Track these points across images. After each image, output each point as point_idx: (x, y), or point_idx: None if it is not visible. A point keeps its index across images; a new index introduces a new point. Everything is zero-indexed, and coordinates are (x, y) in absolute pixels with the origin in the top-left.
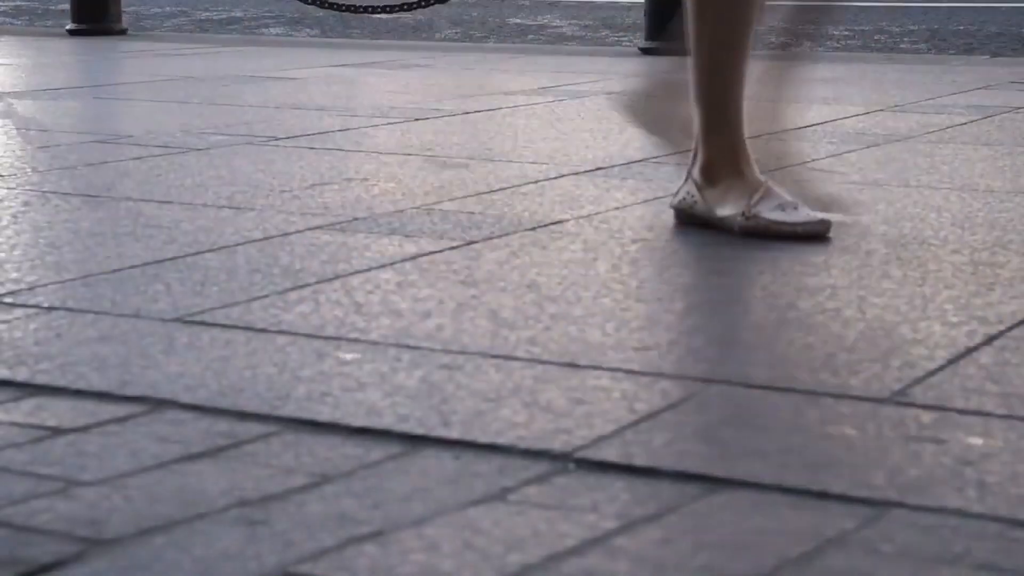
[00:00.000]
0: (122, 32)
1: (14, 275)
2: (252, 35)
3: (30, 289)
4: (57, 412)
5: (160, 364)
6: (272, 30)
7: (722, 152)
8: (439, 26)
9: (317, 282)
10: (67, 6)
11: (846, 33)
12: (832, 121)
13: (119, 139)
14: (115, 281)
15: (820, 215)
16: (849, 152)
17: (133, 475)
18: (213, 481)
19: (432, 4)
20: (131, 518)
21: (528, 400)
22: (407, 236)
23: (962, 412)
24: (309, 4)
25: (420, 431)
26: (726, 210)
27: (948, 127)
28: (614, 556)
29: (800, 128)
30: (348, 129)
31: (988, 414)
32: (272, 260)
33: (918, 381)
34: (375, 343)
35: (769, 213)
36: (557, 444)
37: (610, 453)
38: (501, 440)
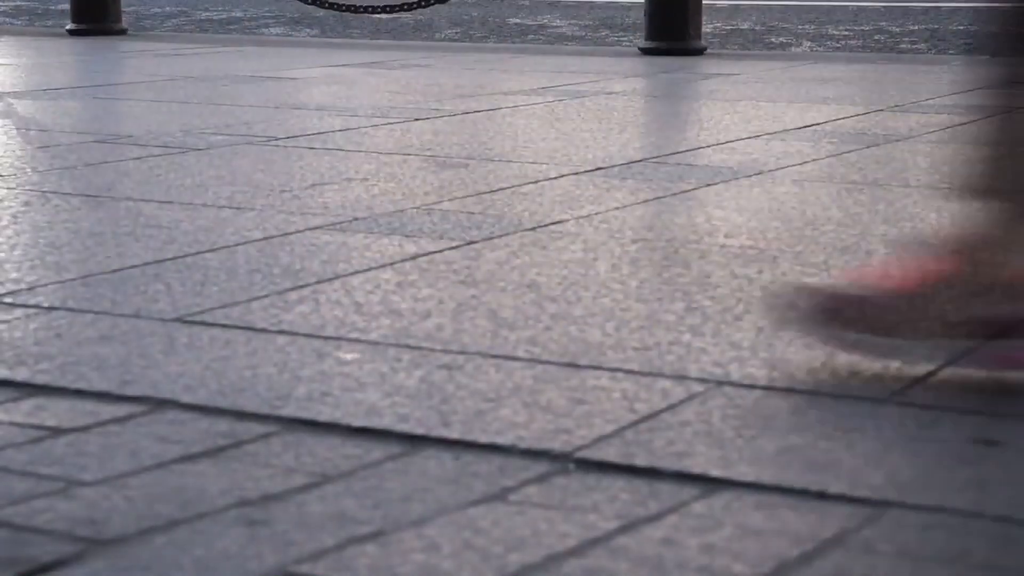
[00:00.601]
0: (122, 32)
1: (14, 275)
2: (252, 35)
3: (30, 289)
4: (57, 412)
5: (160, 364)
6: (272, 30)
7: None
8: (439, 26)
9: (317, 282)
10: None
11: (846, 33)
12: (832, 121)
13: (119, 139)
14: (115, 281)
15: None
16: (849, 152)
17: (133, 475)
18: (213, 481)
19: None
20: (131, 518)
21: (528, 400)
22: (407, 236)
23: (962, 412)
24: (309, 4)
25: (420, 431)
26: None
27: (948, 127)
28: (614, 556)
29: (800, 128)
30: (348, 129)
31: (988, 414)
32: (272, 260)
33: (918, 381)
34: (375, 343)
35: None
36: (557, 444)
37: (610, 453)
38: (501, 440)
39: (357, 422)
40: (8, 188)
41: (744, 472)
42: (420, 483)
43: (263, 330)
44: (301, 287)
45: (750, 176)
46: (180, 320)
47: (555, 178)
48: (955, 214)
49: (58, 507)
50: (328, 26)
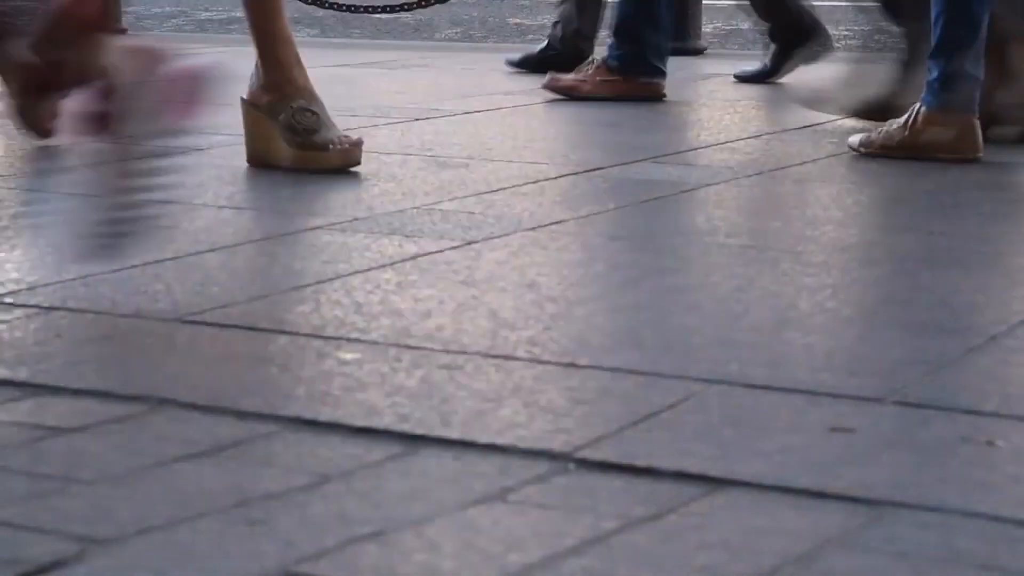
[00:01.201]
0: (122, 32)
1: (14, 275)
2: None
3: (30, 289)
4: (57, 412)
5: (160, 364)
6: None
7: None
8: (439, 26)
9: (317, 282)
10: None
11: (846, 33)
12: (832, 121)
13: (119, 139)
14: (115, 281)
15: None
16: (849, 152)
17: (133, 475)
18: (213, 481)
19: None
20: (131, 518)
21: (528, 400)
22: (407, 236)
23: (962, 412)
24: (309, 4)
25: (420, 431)
26: None
27: None
28: (614, 556)
29: (800, 128)
30: (348, 129)
31: (988, 414)
32: (272, 260)
33: (917, 381)
34: (375, 343)
35: None
36: (557, 444)
37: (610, 453)
38: (501, 440)
39: (357, 422)
40: (8, 188)
41: (744, 472)
42: (420, 483)
43: (263, 330)
44: (301, 287)
45: (750, 176)
46: (180, 320)
47: (555, 178)
48: None
49: (58, 507)
50: (328, 26)
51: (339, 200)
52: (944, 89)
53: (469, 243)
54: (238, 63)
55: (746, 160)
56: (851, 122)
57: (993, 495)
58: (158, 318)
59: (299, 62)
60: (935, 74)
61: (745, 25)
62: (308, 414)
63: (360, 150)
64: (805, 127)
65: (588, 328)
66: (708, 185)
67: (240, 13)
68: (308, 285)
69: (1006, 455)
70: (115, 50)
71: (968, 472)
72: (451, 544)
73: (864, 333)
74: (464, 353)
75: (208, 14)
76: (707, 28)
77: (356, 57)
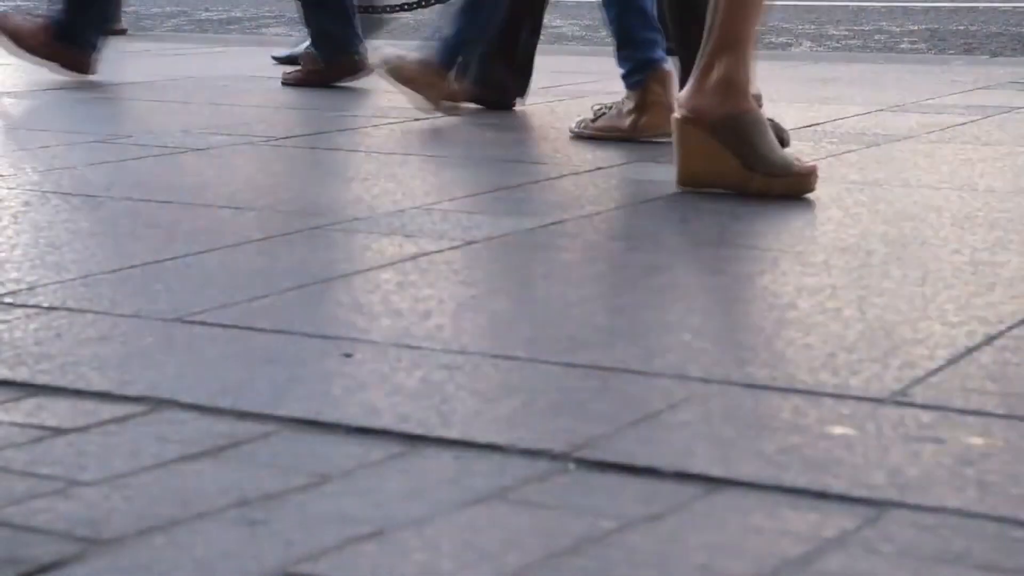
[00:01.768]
0: (122, 32)
1: (14, 275)
2: (252, 35)
3: (30, 289)
4: (57, 412)
5: (160, 364)
6: (272, 30)
7: None
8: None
9: (317, 282)
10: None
11: (846, 33)
12: (832, 121)
13: (119, 139)
14: (115, 281)
15: None
16: (849, 152)
17: (133, 475)
18: (213, 481)
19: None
20: (131, 518)
21: (528, 400)
22: (407, 236)
23: (962, 412)
24: None
25: (420, 431)
26: None
27: (948, 127)
28: (613, 556)
29: (800, 128)
30: (348, 129)
31: (988, 414)
32: (272, 260)
33: (918, 381)
34: (375, 343)
35: None
36: (557, 444)
37: (610, 453)
38: (501, 440)
39: (357, 422)
40: (8, 188)
41: (744, 472)
42: (420, 483)
43: (263, 330)
44: (301, 287)
45: None
46: (180, 320)
47: (555, 178)
48: (955, 214)
49: (58, 507)
50: None
51: (339, 200)
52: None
53: (469, 243)
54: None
55: None
56: (852, 122)
57: (993, 495)
58: (158, 318)
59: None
60: (628, 67)
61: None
62: (308, 414)
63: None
64: (805, 127)
65: (588, 328)
66: None
67: (239, 13)
68: (308, 285)
69: (1006, 455)
70: None
71: (968, 472)
72: (450, 544)
73: (864, 333)
74: (464, 353)
75: (208, 14)
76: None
77: None
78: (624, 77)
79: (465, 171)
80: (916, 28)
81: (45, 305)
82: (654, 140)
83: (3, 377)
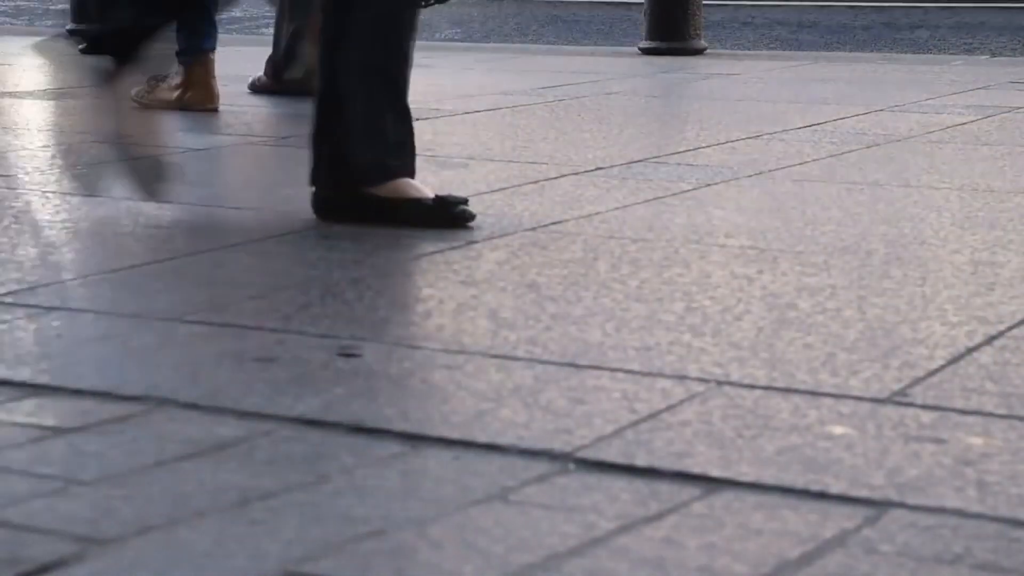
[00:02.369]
0: None
1: (14, 275)
2: (253, 35)
3: (30, 289)
4: (57, 412)
5: (160, 364)
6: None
7: None
8: (439, 26)
9: (317, 282)
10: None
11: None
12: (832, 121)
13: (119, 139)
14: (115, 281)
15: None
16: (849, 152)
17: (133, 475)
18: (213, 481)
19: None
20: (131, 518)
21: (528, 400)
22: (407, 236)
23: (962, 412)
24: None
25: (420, 431)
26: None
27: (948, 127)
28: (614, 556)
29: (800, 128)
30: None
31: (988, 414)
32: (272, 260)
33: (918, 381)
34: (375, 343)
35: None
36: (557, 444)
37: (610, 453)
38: (501, 440)
39: (357, 422)
40: (8, 188)
41: (744, 472)
42: (420, 482)
43: (263, 330)
44: (301, 287)
45: (750, 176)
46: (180, 320)
47: (555, 178)
48: (955, 214)
49: (58, 507)
50: None
51: None
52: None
53: (469, 243)
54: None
55: (746, 160)
56: (852, 122)
57: (993, 495)
58: (158, 318)
59: None
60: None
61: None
62: (308, 414)
63: None
64: (805, 127)
65: (588, 328)
66: (708, 185)
67: (239, 13)
68: (308, 285)
69: (1006, 455)
70: None
71: (968, 472)
72: (451, 544)
73: (864, 333)
74: (464, 353)
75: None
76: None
77: None
78: (178, 55)
79: (465, 171)
80: (916, 28)
81: (45, 305)
82: (199, 110)
83: (3, 377)
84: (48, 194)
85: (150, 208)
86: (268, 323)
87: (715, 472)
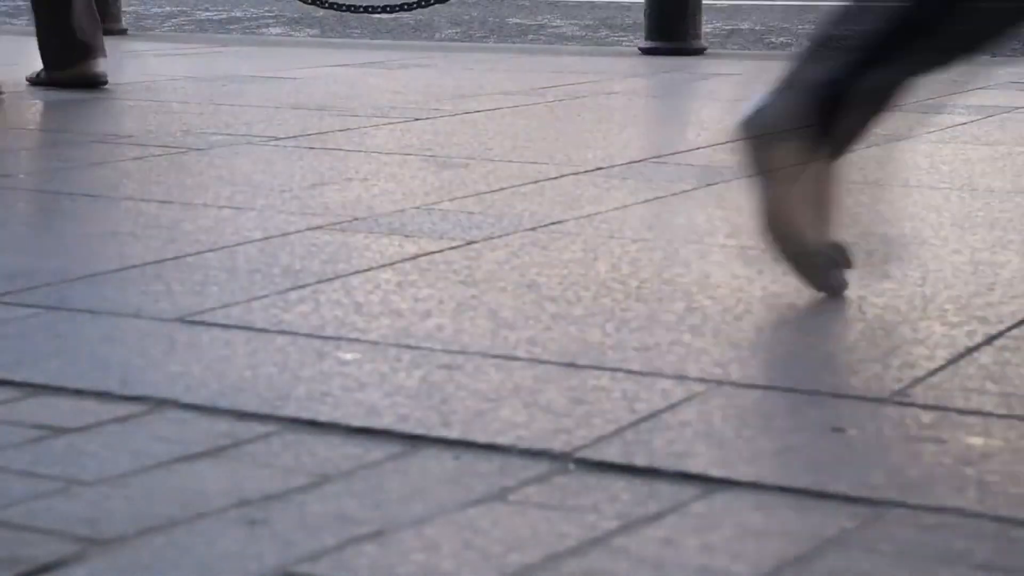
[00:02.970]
0: (122, 32)
1: (14, 275)
2: (252, 35)
3: (30, 289)
4: (57, 412)
5: (160, 364)
6: (272, 30)
7: None
8: (439, 26)
9: (317, 282)
10: None
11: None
12: None
13: (119, 139)
14: (115, 281)
15: None
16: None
17: (133, 475)
18: (213, 481)
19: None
20: (131, 518)
21: (528, 400)
22: (407, 236)
23: (962, 412)
24: (309, 4)
25: (420, 431)
26: None
27: (948, 127)
28: (614, 556)
29: None
30: (348, 129)
31: (988, 414)
32: (272, 260)
33: (918, 381)
34: (375, 343)
35: None
36: (557, 444)
37: (610, 453)
38: (501, 440)
39: (357, 422)
40: (9, 188)
41: (744, 472)
42: (420, 483)
43: (263, 330)
44: (301, 287)
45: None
46: (180, 320)
47: (555, 178)
48: (955, 214)
49: (58, 507)
50: (328, 26)
51: (339, 200)
52: None
53: (469, 243)
54: (238, 63)
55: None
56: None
57: (993, 495)
58: (158, 318)
59: None
60: None
61: (745, 25)
62: (308, 414)
63: None
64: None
65: (588, 328)
66: (708, 185)
67: (240, 13)
68: (308, 285)
69: (1006, 455)
70: None
71: (968, 472)
72: (451, 544)
73: (864, 333)
74: (464, 353)
75: (208, 14)
76: (707, 28)
77: (356, 57)
78: None
79: (465, 171)
80: None
81: (45, 305)
82: None
83: (3, 377)
84: (48, 194)
85: (150, 208)
86: (268, 323)
87: (715, 472)
